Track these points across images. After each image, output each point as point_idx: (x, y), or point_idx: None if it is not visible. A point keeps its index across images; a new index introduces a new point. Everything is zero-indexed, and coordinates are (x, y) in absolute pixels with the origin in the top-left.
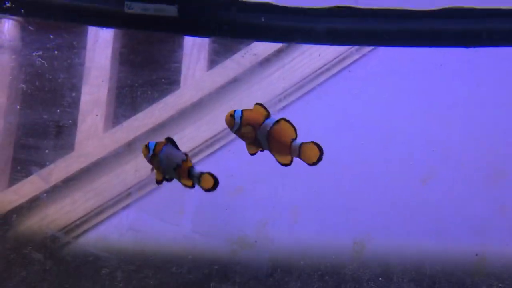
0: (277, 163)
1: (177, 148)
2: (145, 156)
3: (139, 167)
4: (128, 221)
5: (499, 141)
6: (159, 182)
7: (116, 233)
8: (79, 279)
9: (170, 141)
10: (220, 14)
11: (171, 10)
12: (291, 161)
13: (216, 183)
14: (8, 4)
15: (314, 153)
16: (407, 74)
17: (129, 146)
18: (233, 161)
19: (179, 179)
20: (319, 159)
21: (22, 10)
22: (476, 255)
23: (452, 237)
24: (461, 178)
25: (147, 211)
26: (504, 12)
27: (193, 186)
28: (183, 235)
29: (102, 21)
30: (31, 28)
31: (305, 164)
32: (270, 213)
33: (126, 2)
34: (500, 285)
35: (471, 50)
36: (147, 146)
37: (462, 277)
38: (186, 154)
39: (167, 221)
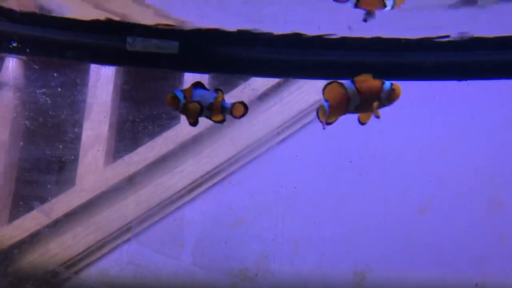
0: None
1: (205, 88)
2: (176, 106)
3: (139, 201)
4: (128, 255)
5: (496, 171)
6: (194, 124)
7: (117, 267)
8: None
9: (197, 84)
10: (220, 50)
11: (171, 47)
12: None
13: (246, 110)
14: (14, 44)
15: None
16: (402, 106)
17: (129, 181)
18: (233, 193)
19: (210, 117)
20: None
21: (28, 49)
22: (476, 285)
23: (451, 267)
24: (459, 208)
25: (147, 245)
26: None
27: (223, 120)
28: (183, 269)
29: (105, 59)
30: (35, 66)
31: (304, 197)
32: (270, 245)
33: (128, 40)
34: None
35: (464, 83)
36: (175, 97)
37: None
38: (217, 90)
39: (167, 254)
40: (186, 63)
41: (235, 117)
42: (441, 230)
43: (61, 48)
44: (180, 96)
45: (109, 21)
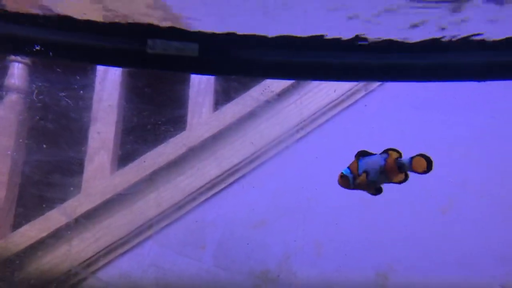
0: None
1: (370, 154)
2: (347, 185)
3: (159, 202)
4: (150, 257)
5: None
6: (376, 194)
7: (139, 269)
8: None
9: (360, 154)
10: (239, 53)
11: (191, 49)
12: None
13: (430, 162)
14: (38, 48)
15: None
16: (422, 106)
17: (150, 180)
18: (254, 195)
19: (390, 180)
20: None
21: (51, 53)
22: (501, 286)
23: (475, 268)
24: (482, 209)
25: (169, 247)
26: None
27: (406, 179)
28: (205, 270)
29: (123, 62)
30: (42, 69)
31: (325, 198)
32: (292, 246)
33: (148, 42)
34: None
35: (483, 84)
36: (343, 175)
37: None
38: (388, 150)
39: (189, 256)
40: (206, 66)
41: (417, 173)
42: (464, 231)
43: (76, 51)
44: (347, 173)
45: (127, 24)
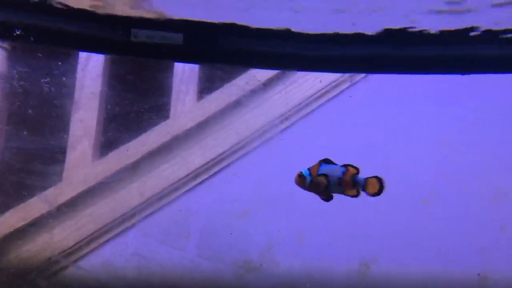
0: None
1: (333, 163)
2: (303, 184)
3: (143, 191)
4: (133, 246)
5: (499, 163)
6: (327, 199)
7: (122, 258)
8: None
9: (323, 161)
10: (223, 42)
11: (176, 38)
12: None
13: (382, 186)
14: (18, 32)
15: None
16: (405, 99)
17: (132, 169)
18: (238, 185)
19: (343, 192)
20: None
21: (32, 38)
22: (478, 274)
23: (454, 258)
24: (463, 200)
25: (153, 236)
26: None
27: (358, 194)
28: (188, 260)
29: (106, 48)
30: (22, 54)
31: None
32: (275, 236)
33: (132, 31)
34: None
35: (466, 77)
36: (301, 175)
37: None
38: (348, 165)
39: (172, 246)
40: (189, 54)
41: (369, 195)
42: (444, 223)
43: (57, 36)
44: (306, 173)
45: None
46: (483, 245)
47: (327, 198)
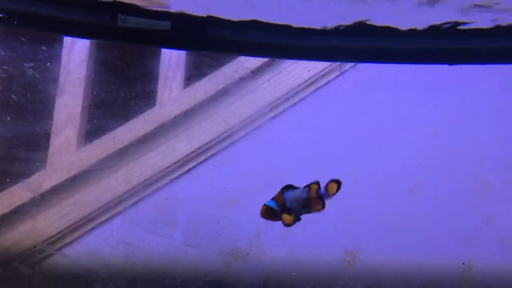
0: None
1: (295, 187)
2: (273, 216)
3: (129, 178)
4: (119, 234)
5: (485, 153)
6: (291, 225)
7: (107, 246)
8: None
9: (286, 188)
10: (211, 30)
11: (164, 25)
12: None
13: (339, 186)
14: (1, 16)
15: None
16: (394, 89)
17: (119, 156)
18: (226, 173)
19: (311, 211)
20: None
21: (15, 22)
22: (463, 264)
23: (439, 247)
24: (448, 190)
25: (139, 224)
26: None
27: (323, 207)
28: (175, 248)
29: (92, 33)
30: (5, 38)
31: (296, 177)
32: (263, 225)
33: (119, 16)
34: None
35: (454, 67)
36: (269, 208)
37: (451, 286)
38: (311, 184)
39: (159, 234)
40: (177, 40)
41: (329, 197)
42: (430, 212)
43: (42, 20)
44: (274, 205)
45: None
46: (468, 235)
47: (295, 221)
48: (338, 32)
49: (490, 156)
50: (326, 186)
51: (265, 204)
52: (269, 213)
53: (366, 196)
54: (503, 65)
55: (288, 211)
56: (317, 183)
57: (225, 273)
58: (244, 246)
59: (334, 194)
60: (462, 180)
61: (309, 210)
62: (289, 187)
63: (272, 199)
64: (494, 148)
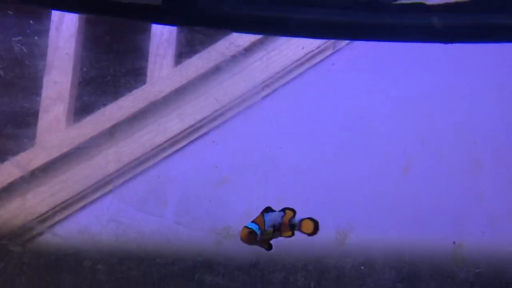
0: None
1: (273, 210)
2: (254, 240)
3: (119, 156)
4: (110, 212)
5: (478, 133)
6: (270, 248)
7: (98, 225)
8: (60, 272)
9: (265, 210)
10: (204, 4)
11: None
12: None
13: (316, 227)
14: None
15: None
16: (387, 68)
17: (109, 135)
18: (218, 152)
19: (280, 235)
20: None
21: None
22: (454, 242)
23: (431, 226)
24: (441, 169)
25: (130, 203)
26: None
27: (292, 235)
28: (166, 227)
29: (81, 7)
30: None
31: (288, 157)
32: (254, 204)
33: None
34: (476, 270)
35: (449, 45)
36: (252, 231)
37: (441, 264)
38: (286, 209)
39: (150, 212)
40: (168, 15)
41: (305, 234)
42: (422, 191)
43: None
44: (255, 228)
45: None
46: (459, 214)
47: (270, 248)
48: (333, 6)
49: (482, 136)
50: (301, 221)
51: (245, 226)
52: (251, 236)
53: (358, 175)
54: (497, 43)
55: (266, 234)
56: (293, 210)
57: (216, 252)
58: (235, 225)
59: (311, 234)
60: (454, 158)
61: (280, 234)
62: (268, 209)
63: (252, 221)
64: (487, 127)
